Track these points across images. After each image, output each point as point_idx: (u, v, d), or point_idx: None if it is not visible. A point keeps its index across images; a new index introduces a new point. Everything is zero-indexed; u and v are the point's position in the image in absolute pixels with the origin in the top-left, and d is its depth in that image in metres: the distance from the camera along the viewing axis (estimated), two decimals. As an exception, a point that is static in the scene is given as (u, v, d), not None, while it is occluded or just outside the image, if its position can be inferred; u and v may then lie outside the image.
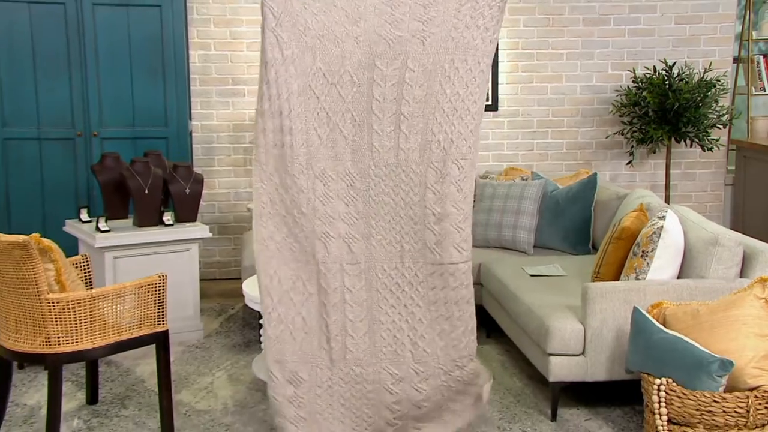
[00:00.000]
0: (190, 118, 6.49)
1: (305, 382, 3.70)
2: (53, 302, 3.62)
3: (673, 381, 3.59)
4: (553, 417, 4.12)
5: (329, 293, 3.71)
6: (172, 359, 4.82)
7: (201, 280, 5.74)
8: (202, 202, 6.49)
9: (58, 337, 3.66)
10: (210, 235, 5.37)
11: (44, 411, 4.15)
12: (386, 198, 3.73)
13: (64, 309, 3.64)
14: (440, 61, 3.70)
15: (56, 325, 3.64)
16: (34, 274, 3.58)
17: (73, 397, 4.39)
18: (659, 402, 3.59)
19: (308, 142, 3.67)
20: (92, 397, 4.33)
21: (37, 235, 3.61)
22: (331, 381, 3.73)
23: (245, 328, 5.55)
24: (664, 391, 3.59)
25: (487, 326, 5.32)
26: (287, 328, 3.69)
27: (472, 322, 3.83)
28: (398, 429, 3.76)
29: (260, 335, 3.84)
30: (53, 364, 3.68)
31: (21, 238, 3.52)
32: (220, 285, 6.58)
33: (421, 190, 3.73)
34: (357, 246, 3.72)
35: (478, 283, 5.33)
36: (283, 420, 3.66)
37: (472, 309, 3.81)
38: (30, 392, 4.46)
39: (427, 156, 3.73)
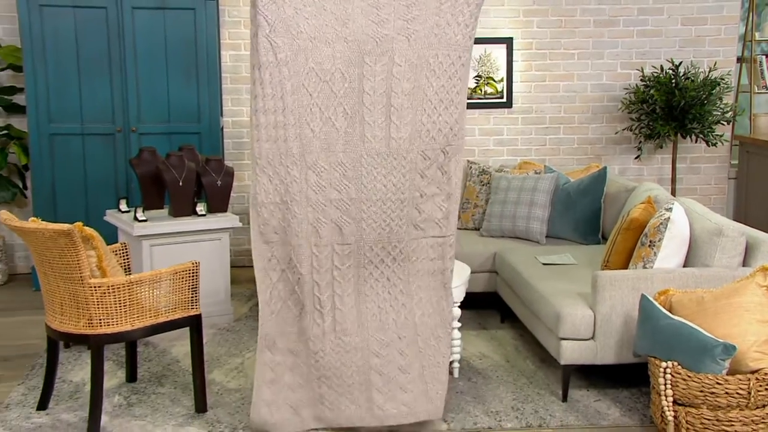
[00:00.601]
0: (222, 115, 6.51)
1: (302, 352, 3.80)
2: (95, 287, 3.65)
3: (679, 364, 3.58)
4: (564, 398, 4.12)
5: (321, 272, 3.80)
6: (204, 341, 4.86)
7: (231, 267, 5.77)
8: (232, 194, 6.53)
9: (100, 319, 3.69)
10: (240, 224, 5.39)
11: (88, 387, 4.20)
12: (378, 184, 3.81)
13: (105, 293, 3.68)
14: (425, 56, 3.78)
15: (98, 308, 3.68)
16: (78, 261, 3.62)
17: (114, 375, 4.43)
18: (665, 384, 3.59)
19: (301, 136, 3.72)
20: (131, 376, 4.36)
21: (80, 224, 3.64)
22: (323, 351, 3.80)
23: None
24: (670, 373, 3.58)
25: (502, 312, 5.32)
26: (286, 304, 3.80)
27: (448, 293, 3.95)
28: (386, 401, 3.82)
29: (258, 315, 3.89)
30: (95, 345, 3.72)
31: (65, 226, 3.55)
32: (250, 272, 6.61)
33: (411, 175, 3.84)
34: (348, 228, 3.81)
35: (493, 271, 5.34)
36: (281, 385, 3.74)
37: (447, 280, 3.94)
38: (75, 370, 4.51)
39: (416, 144, 3.82)
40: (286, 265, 3.77)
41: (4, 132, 6.25)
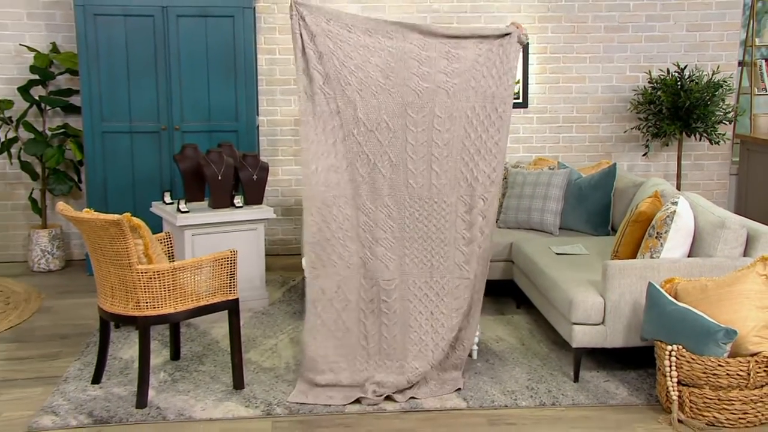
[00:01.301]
0: (258, 114, 6.52)
1: (345, 371, 3.89)
2: (142, 272, 3.68)
3: (683, 347, 3.56)
4: (576, 378, 4.10)
5: (367, 302, 3.90)
6: (242, 323, 4.89)
7: (266, 255, 5.79)
8: (267, 187, 6.55)
9: (146, 302, 3.72)
10: (274, 216, 5.40)
11: (136, 364, 4.23)
12: (420, 225, 3.88)
13: (151, 278, 3.70)
14: (463, 108, 3.80)
15: (144, 292, 3.70)
16: (126, 248, 3.64)
17: (159, 354, 4.46)
18: (670, 366, 3.57)
19: (352, 180, 3.82)
20: (175, 354, 4.38)
21: (128, 214, 3.66)
22: (366, 367, 3.91)
23: (304, 297, 5.57)
24: (675, 356, 3.56)
25: (517, 298, 5.30)
26: (329, 330, 3.89)
27: (475, 323, 4.08)
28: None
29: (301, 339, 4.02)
30: (143, 325, 3.75)
31: (115, 217, 3.58)
32: (283, 260, 6.63)
33: (452, 218, 3.89)
34: (393, 264, 3.88)
35: (509, 260, 5.31)
36: (320, 393, 3.82)
37: (474, 312, 4.06)
38: (124, 348, 4.54)
39: (456, 191, 3.87)
40: (332, 295, 3.87)
41: (62, 130, 6.30)
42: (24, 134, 6.35)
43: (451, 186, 3.85)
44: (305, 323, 3.93)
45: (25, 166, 6.25)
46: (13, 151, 6.38)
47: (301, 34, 3.74)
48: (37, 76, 6.20)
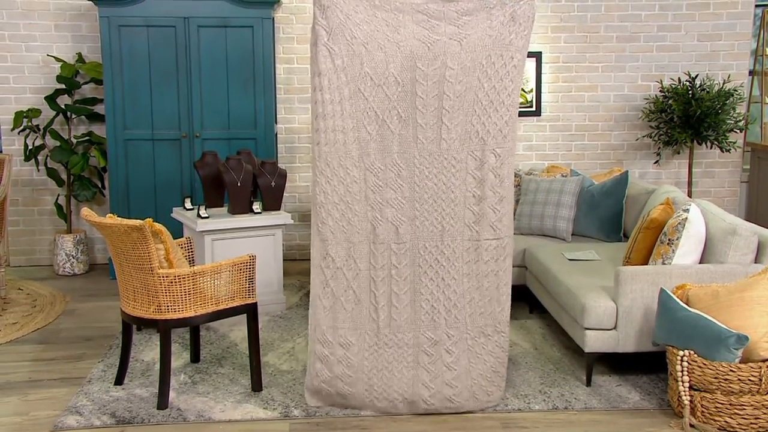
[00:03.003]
0: (276, 122, 6.54)
1: (354, 346, 3.73)
2: (163, 276, 3.69)
3: (695, 353, 3.53)
4: (588, 383, 4.07)
5: (377, 269, 3.70)
6: (260, 327, 4.89)
7: (284, 260, 5.79)
8: (285, 194, 6.57)
9: (168, 306, 3.73)
10: (292, 221, 5.40)
11: (158, 366, 4.25)
12: (429, 183, 3.68)
13: (172, 282, 3.71)
14: (478, 58, 3.61)
15: (166, 295, 3.71)
16: (148, 253, 3.65)
17: (179, 356, 4.47)
18: (682, 371, 3.54)
19: (359, 139, 3.64)
20: (195, 357, 4.39)
21: (150, 220, 3.67)
22: (377, 345, 3.73)
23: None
24: (687, 361, 3.53)
25: (530, 303, 5.27)
26: (339, 301, 3.71)
27: (501, 294, 3.77)
28: (432, 396, 3.75)
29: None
30: (164, 328, 3.76)
31: (137, 222, 3.59)
32: (300, 265, 6.64)
33: (462, 175, 3.68)
34: (403, 228, 3.70)
35: (522, 266, 5.29)
36: (332, 376, 3.70)
37: (501, 281, 3.75)
38: (146, 351, 4.56)
39: (467, 145, 3.66)
40: (342, 263, 3.69)
41: (86, 138, 6.35)
42: (50, 142, 6.41)
43: (461, 141, 3.64)
44: (312, 288, 3.75)
45: (51, 173, 6.30)
46: (39, 158, 6.43)
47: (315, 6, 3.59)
48: (63, 86, 6.26)
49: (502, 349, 3.81)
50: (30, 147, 6.37)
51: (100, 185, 6.49)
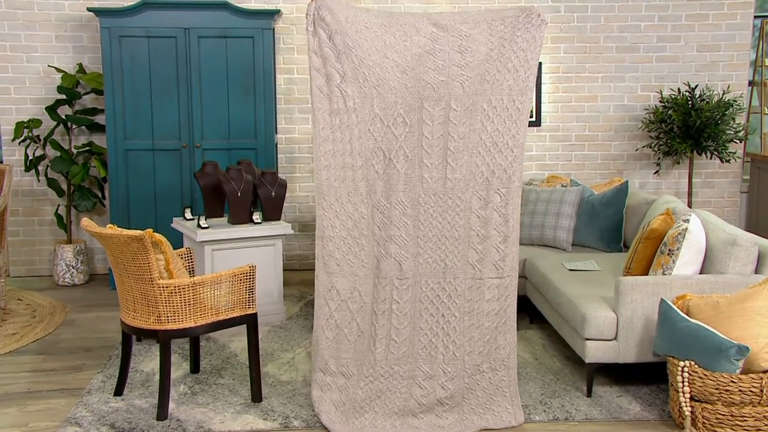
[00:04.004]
0: (276, 132, 6.55)
1: (354, 376, 3.78)
2: (163, 287, 3.69)
3: (696, 363, 3.52)
4: (589, 393, 4.06)
5: (379, 303, 3.76)
6: (260, 337, 4.88)
7: (284, 270, 5.79)
8: (285, 204, 6.57)
9: (167, 316, 3.73)
10: (292, 231, 5.40)
11: (157, 377, 4.24)
12: (434, 222, 3.73)
13: (171, 293, 3.71)
14: (479, 102, 3.66)
15: (165, 306, 3.71)
16: (148, 263, 3.65)
17: (179, 367, 4.46)
18: (683, 382, 3.53)
19: (367, 177, 3.72)
20: (195, 367, 4.38)
21: (150, 230, 3.66)
22: (373, 376, 3.76)
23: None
24: (688, 372, 3.52)
25: (531, 314, 5.27)
26: (342, 332, 3.78)
27: (504, 332, 3.79)
28: (424, 411, 3.75)
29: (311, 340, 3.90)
30: (163, 339, 3.75)
31: (137, 233, 3.59)
32: (300, 275, 6.63)
33: (466, 215, 3.72)
34: (406, 264, 3.75)
35: (523, 276, 5.28)
36: (328, 403, 3.72)
37: (504, 320, 3.77)
38: (146, 361, 4.55)
39: (471, 185, 3.71)
40: (347, 296, 3.75)
41: (87, 148, 6.36)
42: (51, 152, 6.42)
43: (465, 181, 3.69)
44: (315, 319, 3.80)
45: (52, 183, 6.31)
46: (40, 168, 6.44)
47: (317, 34, 3.64)
48: (64, 96, 6.27)
49: (497, 387, 3.79)
50: (30, 157, 6.37)
51: (100, 195, 6.49)
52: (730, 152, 6.40)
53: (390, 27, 3.71)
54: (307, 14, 3.67)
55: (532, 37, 3.68)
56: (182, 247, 5.29)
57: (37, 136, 6.36)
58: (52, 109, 6.25)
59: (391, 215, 3.71)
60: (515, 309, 3.81)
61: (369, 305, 3.76)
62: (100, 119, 6.43)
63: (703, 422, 3.52)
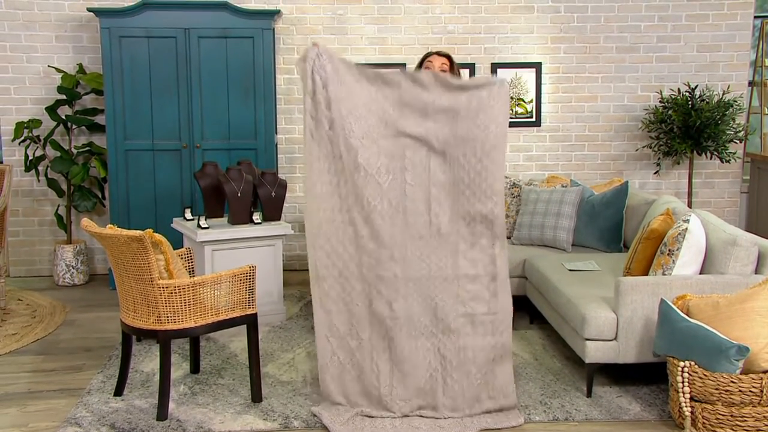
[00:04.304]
0: (276, 132, 6.55)
1: (363, 404, 3.84)
2: (163, 287, 3.69)
3: (696, 364, 3.52)
4: (589, 393, 4.06)
5: (378, 340, 3.83)
6: (260, 337, 4.88)
7: (284, 270, 5.79)
8: (285, 204, 6.57)
9: (167, 317, 3.73)
10: (292, 232, 5.40)
11: (157, 377, 4.24)
12: (421, 263, 3.81)
13: (171, 293, 3.71)
14: (454, 154, 3.77)
15: (165, 306, 3.71)
16: (148, 263, 3.65)
17: (179, 367, 4.46)
18: (683, 382, 3.53)
19: (353, 221, 3.79)
20: (195, 368, 4.38)
21: (150, 230, 3.67)
22: (380, 405, 3.82)
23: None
24: (688, 372, 3.52)
25: (531, 314, 5.27)
26: (345, 368, 3.85)
27: (498, 365, 3.85)
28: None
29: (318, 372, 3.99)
30: (163, 339, 3.75)
31: (137, 233, 3.59)
32: (300, 275, 6.63)
33: (453, 256, 3.81)
34: (397, 304, 3.82)
35: (522, 277, 5.29)
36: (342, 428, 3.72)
37: (500, 354, 3.85)
38: (146, 361, 4.55)
39: (456, 229, 3.80)
40: (346, 332, 3.84)
41: (87, 148, 6.36)
42: (51, 152, 6.42)
43: (451, 224, 3.79)
44: (319, 359, 3.86)
45: (52, 183, 6.31)
46: (40, 168, 6.44)
47: (314, 79, 3.75)
48: (64, 96, 6.27)
49: (497, 412, 3.82)
50: (30, 157, 6.37)
51: (100, 195, 6.49)
52: (730, 152, 6.40)
53: (375, 79, 3.82)
54: (306, 58, 3.77)
55: (500, 96, 3.79)
56: (182, 247, 5.29)
57: (37, 137, 6.36)
58: (52, 110, 6.25)
59: (380, 257, 3.79)
60: (510, 340, 3.89)
61: (367, 342, 3.84)
62: (100, 119, 6.43)
63: (703, 422, 3.52)
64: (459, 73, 4.40)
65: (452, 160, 3.77)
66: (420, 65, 4.39)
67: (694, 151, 6.43)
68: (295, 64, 3.93)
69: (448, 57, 4.42)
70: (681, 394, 3.54)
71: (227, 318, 3.90)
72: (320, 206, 3.80)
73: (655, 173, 6.87)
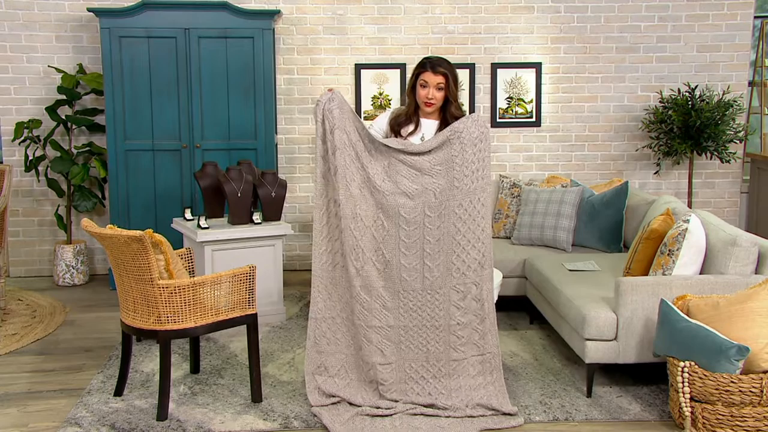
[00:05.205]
0: (276, 132, 6.56)
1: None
2: (163, 287, 3.69)
3: (696, 364, 3.52)
4: (589, 393, 4.06)
5: (368, 382, 3.90)
6: (260, 337, 4.88)
7: (284, 270, 5.79)
8: (285, 204, 6.58)
9: (167, 317, 3.73)
10: (292, 232, 5.41)
11: (157, 377, 4.24)
12: (414, 314, 3.87)
13: (171, 293, 3.71)
14: (450, 206, 3.83)
15: (165, 306, 3.71)
16: (148, 264, 3.65)
17: (179, 367, 4.46)
18: (683, 382, 3.53)
19: (347, 269, 3.87)
20: (195, 368, 4.38)
21: (150, 230, 3.67)
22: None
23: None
24: (688, 372, 3.52)
25: (531, 314, 5.27)
26: (342, 403, 3.89)
27: (494, 398, 3.86)
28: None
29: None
30: (163, 339, 3.75)
31: (137, 233, 3.59)
32: (300, 275, 6.63)
33: (445, 306, 3.86)
34: (388, 350, 3.88)
35: (522, 277, 5.29)
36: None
37: (494, 393, 3.87)
38: (146, 362, 4.55)
39: (449, 281, 3.86)
40: (335, 372, 3.93)
41: (87, 149, 6.36)
42: (51, 152, 6.42)
43: (443, 278, 3.84)
44: (311, 401, 3.88)
45: (52, 183, 6.31)
46: (40, 168, 6.44)
47: (325, 125, 3.86)
48: (64, 96, 6.27)
49: (492, 419, 3.80)
50: (30, 157, 6.37)
51: (100, 196, 6.49)
52: (730, 153, 6.40)
53: (373, 142, 3.90)
54: (318, 101, 3.88)
55: (482, 134, 3.84)
56: (182, 247, 5.29)
57: (37, 137, 6.36)
58: (52, 110, 6.25)
59: (371, 308, 3.86)
60: (503, 380, 3.94)
61: (356, 382, 3.93)
62: (100, 119, 6.43)
63: (703, 422, 3.52)
64: (458, 88, 4.17)
65: (447, 212, 3.82)
66: (415, 78, 4.02)
67: (694, 151, 6.43)
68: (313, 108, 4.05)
69: (444, 74, 3.92)
70: (681, 394, 3.54)
71: (227, 318, 3.90)
72: (325, 248, 3.93)
73: (655, 173, 6.87)
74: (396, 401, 3.85)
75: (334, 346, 3.94)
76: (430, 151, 3.86)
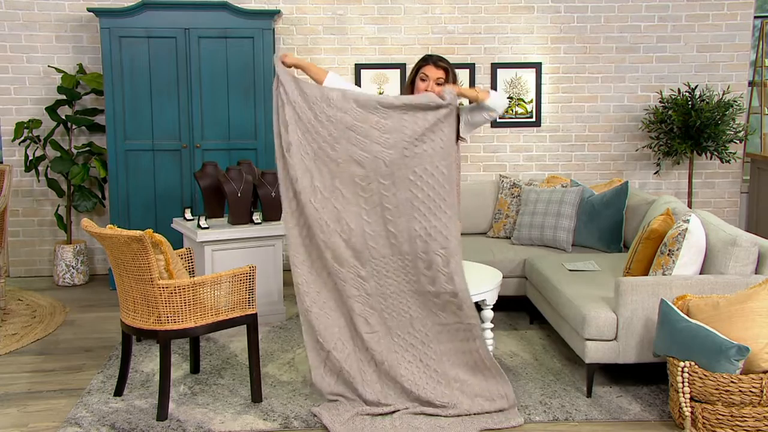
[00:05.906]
0: (277, 133, 6.55)
1: (357, 404, 3.87)
2: (163, 287, 3.69)
3: (696, 364, 3.52)
4: (589, 394, 4.06)
5: (363, 351, 3.91)
6: (260, 337, 4.88)
7: (284, 270, 5.79)
8: (286, 204, 6.56)
9: (167, 317, 3.73)
10: (293, 232, 5.40)
11: (157, 377, 4.24)
12: (389, 280, 3.88)
13: (171, 293, 3.71)
14: (404, 174, 3.81)
15: (165, 306, 3.71)
16: (148, 264, 3.65)
17: (179, 367, 4.46)
18: (683, 382, 3.53)
19: (315, 244, 3.87)
20: (195, 368, 4.38)
21: (150, 230, 3.67)
22: (374, 409, 3.84)
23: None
24: (688, 372, 3.52)
25: (531, 314, 5.27)
26: (341, 376, 3.91)
27: (489, 367, 3.89)
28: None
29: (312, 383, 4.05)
30: (163, 339, 3.75)
31: (137, 233, 3.59)
32: (301, 275, 6.62)
33: (416, 273, 3.86)
34: (373, 319, 3.90)
35: (522, 277, 5.29)
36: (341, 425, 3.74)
37: (481, 357, 3.89)
38: (146, 362, 4.55)
39: (413, 248, 3.84)
40: (332, 346, 3.89)
41: (87, 149, 6.36)
42: (51, 152, 6.42)
43: (409, 243, 3.82)
44: (311, 365, 3.91)
45: (52, 183, 6.31)
46: (40, 168, 6.44)
47: (277, 104, 3.86)
48: (64, 96, 6.27)
49: (492, 418, 3.79)
50: (30, 157, 6.37)
51: (100, 196, 6.49)
52: (730, 153, 6.41)
53: (324, 99, 3.85)
54: (274, 73, 3.90)
55: (443, 115, 3.81)
56: (182, 247, 5.29)
57: (37, 137, 6.36)
58: (52, 110, 6.25)
59: (346, 278, 3.86)
60: (487, 348, 3.92)
61: (352, 352, 3.91)
62: (100, 119, 6.44)
63: (703, 423, 3.52)
64: (456, 83, 4.21)
65: (402, 180, 3.80)
66: (415, 72, 4.10)
67: (694, 152, 6.43)
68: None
69: (445, 69, 4.00)
70: (681, 395, 3.54)
71: (227, 318, 3.90)
72: (288, 224, 3.89)
73: (655, 173, 6.87)
74: (396, 410, 3.83)
75: (325, 320, 3.89)
76: (398, 106, 3.80)
